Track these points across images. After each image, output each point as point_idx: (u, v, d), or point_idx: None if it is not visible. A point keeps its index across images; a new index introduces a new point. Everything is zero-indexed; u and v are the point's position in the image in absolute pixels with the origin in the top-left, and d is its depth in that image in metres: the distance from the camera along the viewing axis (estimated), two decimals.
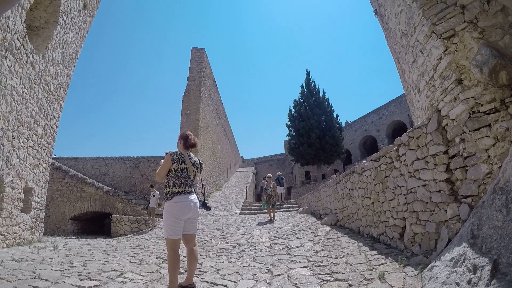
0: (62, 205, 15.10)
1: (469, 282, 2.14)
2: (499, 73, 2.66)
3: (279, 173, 17.92)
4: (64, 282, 3.54)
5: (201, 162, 3.87)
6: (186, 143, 3.63)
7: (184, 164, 3.53)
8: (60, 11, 7.63)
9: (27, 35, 6.46)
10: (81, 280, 3.70)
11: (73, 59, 8.99)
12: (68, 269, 4.24)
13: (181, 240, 3.50)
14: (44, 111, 7.59)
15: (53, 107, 8.05)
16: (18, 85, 6.22)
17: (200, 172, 3.82)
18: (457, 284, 2.27)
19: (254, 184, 35.13)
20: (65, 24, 8.08)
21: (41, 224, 7.90)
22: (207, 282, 3.78)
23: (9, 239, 6.14)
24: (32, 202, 7.34)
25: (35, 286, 3.27)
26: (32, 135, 7.09)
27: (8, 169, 6.10)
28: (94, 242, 9.05)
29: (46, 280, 3.55)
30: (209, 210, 4.11)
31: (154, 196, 11.90)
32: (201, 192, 4.09)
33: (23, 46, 6.30)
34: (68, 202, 15.19)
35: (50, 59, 7.60)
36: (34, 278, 3.59)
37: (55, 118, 8.27)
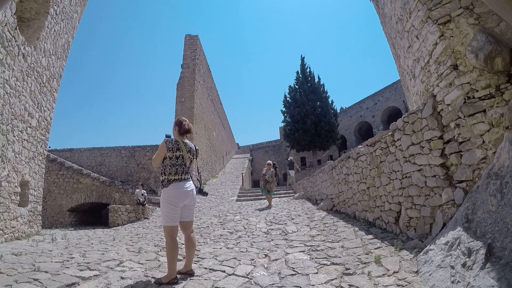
0: (59, 197, 15.05)
1: (463, 265, 2.19)
2: (494, 59, 2.66)
3: (290, 157, 18.01)
4: (64, 273, 3.56)
5: (197, 148, 3.85)
6: (181, 129, 3.61)
7: (180, 152, 3.52)
8: (51, 1, 7.44)
9: (18, 27, 6.30)
10: (81, 270, 3.72)
11: (65, 50, 8.83)
12: (68, 261, 4.26)
13: (179, 227, 3.53)
14: (38, 103, 7.49)
15: (46, 99, 7.94)
16: (10, 78, 6.11)
17: (196, 159, 3.81)
18: (452, 267, 2.32)
19: (250, 171, 35.25)
20: (56, 14, 7.90)
21: (38, 217, 7.89)
22: (205, 268, 3.82)
23: (7, 234, 6.13)
24: (29, 196, 7.30)
25: (36, 278, 3.29)
26: (27, 127, 7.01)
27: (4, 163, 6.04)
28: (92, 232, 9.09)
29: (46, 272, 3.57)
30: (206, 196, 4.13)
31: (142, 195, 12.05)
32: (197, 178, 4.10)
33: (14, 38, 6.16)
34: (65, 194, 15.14)
35: (42, 50, 7.45)
36: (34, 270, 3.61)
37: (49, 110, 8.17)
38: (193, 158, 3.72)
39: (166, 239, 3.36)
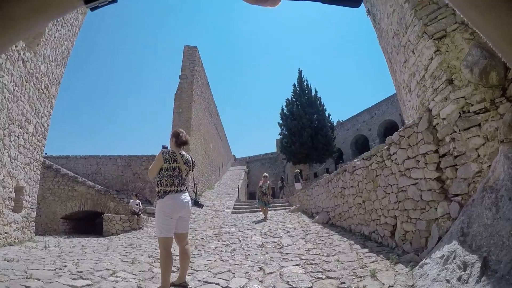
0: (53, 204, 14.82)
1: (459, 279, 2.18)
2: (489, 74, 2.70)
3: (297, 171, 17.96)
4: (56, 281, 3.51)
5: (193, 160, 3.85)
6: (178, 140, 3.61)
7: (176, 163, 3.52)
8: None
9: None
10: (74, 279, 3.66)
11: (64, 57, 8.85)
12: (60, 269, 4.20)
13: (174, 239, 3.49)
14: (36, 109, 7.46)
15: (44, 105, 7.92)
16: (9, 82, 6.11)
17: (192, 171, 3.80)
18: (448, 281, 2.30)
19: (246, 183, 35.11)
20: (56, 21, 7.95)
21: (32, 223, 7.77)
22: (199, 280, 3.78)
23: (0, 239, 6.05)
24: (23, 201, 7.21)
25: (27, 286, 3.25)
26: (23, 133, 6.97)
27: None
28: (86, 241, 8.96)
29: (38, 279, 3.52)
30: (201, 208, 4.11)
31: (137, 205, 11.97)
32: (193, 190, 4.08)
33: None
34: (59, 201, 14.90)
35: (41, 57, 7.47)
36: (26, 278, 3.56)
37: (46, 116, 8.14)
38: (190, 170, 3.71)
39: (161, 250, 3.33)
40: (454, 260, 2.39)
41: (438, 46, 3.31)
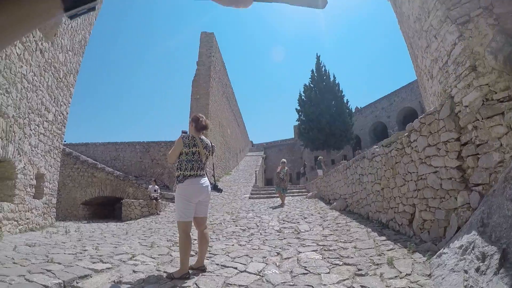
0: (73, 190, 15.30)
1: (477, 270, 2.16)
2: None
3: (320, 157, 18.02)
4: (77, 265, 3.63)
5: (213, 145, 3.86)
6: (198, 125, 3.63)
7: (196, 148, 3.55)
8: None
9: None
10: (94, 263, 3.79)
11: (82, 46, 8.98)
12: (81, 253, 4.34)
13: (193, 223, 3.57)
14: (55, 98, 7.65)
15: (63, 94, 8.10)
16: (28, 72, 6.27)
17: (212, 155, 3.84)
18: (466, 271, 2.29)
19: (263, 169, 35.24)
20: None
21: (53, 209, 8.05)
22: (217, 264, 3.86)
23: (22, 225, 6.30)
24: (44, 188, 7.47)
25: (48, 269, 3.35)
26: (43, 121, 7.17)
27: (20, 155, 6.20)
28: (106, 226, 9.25)
29: (59, 263, 3.64)
30: (220, 192, 4.15)
31: (155, 191, 12.17)
32: (212, 175, 4.12)
33: (32, 34, 6.30)
34: (79, 187, 15.36)
35: (59, 46, 7.60)
36: (47, 262, 3.68)
37: (65, 104, 8.33)
38: (209, 155, 3.74)
39: (180, 234, 3.40)
40: (472, 251, 2.36)
41: (461, 31, 3.20)
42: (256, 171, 23.87)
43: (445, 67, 3.74)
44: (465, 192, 3.14)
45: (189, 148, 3.52)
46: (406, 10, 5.08)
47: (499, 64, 2.70)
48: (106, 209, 17.07)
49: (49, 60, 7.20)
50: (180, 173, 3.48)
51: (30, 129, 6.60)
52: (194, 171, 3.48)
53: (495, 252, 2.09)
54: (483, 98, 2.90)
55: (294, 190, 15.35)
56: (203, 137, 3.72)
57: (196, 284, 3.14)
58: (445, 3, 3.40)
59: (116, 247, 4.88)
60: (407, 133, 4.50)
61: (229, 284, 3.15)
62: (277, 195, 11.59)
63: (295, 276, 3.33)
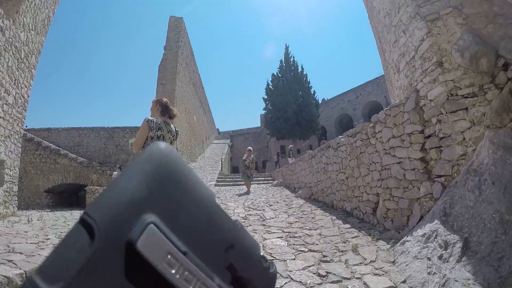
0: (35, 177, 14.50)
1: (440, 257, 2.26)
2: (479, 60, 2.72)
3: (291, 146, 18.10)
4: (39, 254, 3.50)
5: (177, 129, 3.72)
6: (167, 113, 3.49)
7: (161, 131, 3.39)
8: None
9: None
10: None
11: (45, 25, 8.38)
12: (43, 242, 4.19)
13: None
14: (15, 80, 7.12)
15: (24, 76, 7.57)
16: None
17: (176, 140, 3.70)
18: (429, 258, 2.39)
19: (229, 157, 35.16)
20: None
21: (14, 197, 7.61)
22: None
23: None
24: (5, 175, 7.01)
25: (10, 259, 3.23)
26: (3, 104, 6.67)
27: None
28: (69, 214, 8.87)
29: (21, 253, 3.51)
30: None
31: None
32: None
33: None
34: (41, 174, 14.58)
35: (21, 25, 7.04)
36: (8, 252, 3.54)
37: (26, 87, 7.79)
38: (173, 140, 3.61)
39: None
40: (435, 239, 2.47)
41: (430, 28, 3.29)
42: (222, 158, 23.75)
43: (412, 62, 3.84)
44: (428, 183, 3.26)
45: (155, 132, 3.36)
46: (377, 5, 5.15)
47: (465, 61, 2.80)
48: (70, 197, 16.38)
49: (10, 39, 6.67)
50: None
51: None
52: None
53: (458, 240, 2.19)
54: (448, 93, 3.00)
55: (260, 178, 15.46)
56: (168, 120, 3.57)
57: None
58: (416, 0, 3.47)
59: None
60: (372, 124, 4.61)
61: None
62: (243, 182, 11.61)
63: None
